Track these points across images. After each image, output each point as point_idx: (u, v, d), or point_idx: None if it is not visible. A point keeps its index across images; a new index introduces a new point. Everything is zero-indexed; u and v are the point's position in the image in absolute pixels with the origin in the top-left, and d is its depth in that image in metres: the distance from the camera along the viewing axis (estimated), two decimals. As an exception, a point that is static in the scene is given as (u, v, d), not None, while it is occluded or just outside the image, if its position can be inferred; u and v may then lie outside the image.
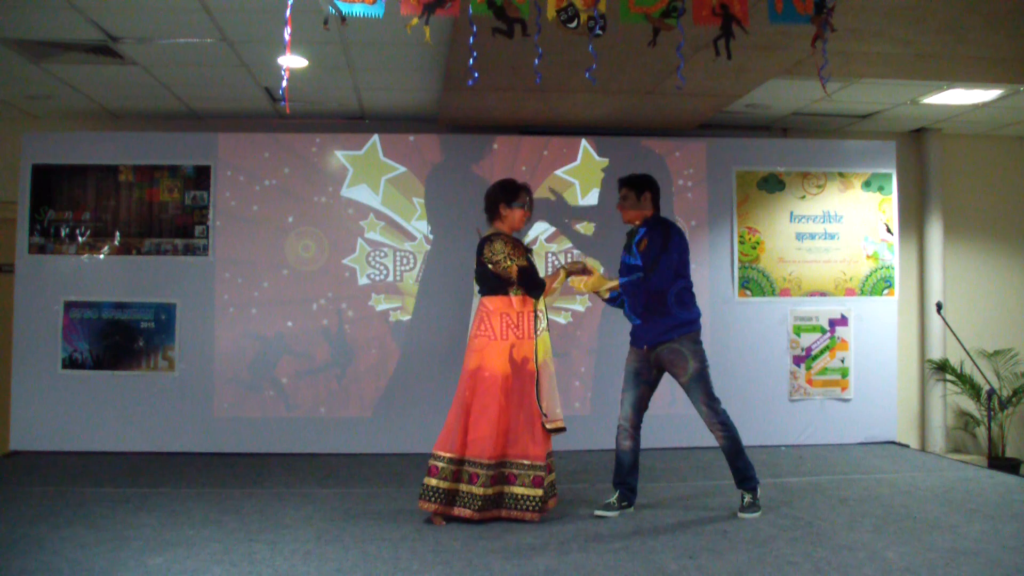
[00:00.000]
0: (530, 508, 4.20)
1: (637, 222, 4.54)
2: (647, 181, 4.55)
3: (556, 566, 3.54)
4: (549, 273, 5.00)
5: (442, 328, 6.40)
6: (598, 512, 4.38)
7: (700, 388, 4.39)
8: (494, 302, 4.36)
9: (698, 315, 4.53)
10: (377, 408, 6.42)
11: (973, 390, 7.05)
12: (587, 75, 3.43)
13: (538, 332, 4.34)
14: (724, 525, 4.21)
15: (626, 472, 4.48)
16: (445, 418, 4.38)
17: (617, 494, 4.46)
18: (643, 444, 4.54)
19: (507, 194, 4.42)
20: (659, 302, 4.42)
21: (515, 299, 4.35)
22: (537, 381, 4.28)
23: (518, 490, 4.22)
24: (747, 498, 4.40)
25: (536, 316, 4.35)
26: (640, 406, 4.50)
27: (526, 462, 4.22)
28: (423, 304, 6.49)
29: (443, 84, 5.79)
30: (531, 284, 4.34)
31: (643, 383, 4.49)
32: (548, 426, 4.27)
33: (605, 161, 6.62)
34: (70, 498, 4.76)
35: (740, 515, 4.34)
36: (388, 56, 5.44)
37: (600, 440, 6.23)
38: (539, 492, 4.21)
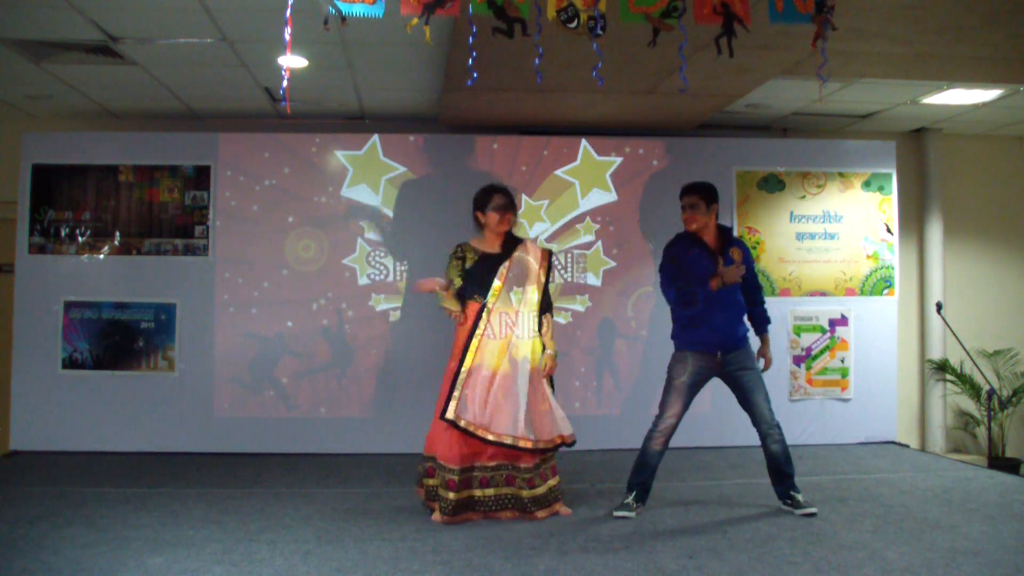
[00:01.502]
0: (498, 508, 4.31)
1: (705, 231, 4.54)
2: (715, 191, 4.59)
3: (556, 566, 3.55)
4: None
5: (442, 328, 6.36)
6: (617, 513, 4.40)
7: (763, 387, 4.49)
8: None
9: None
10: (377, 408, 6.42)
11: (973, 390, 7.05)
12: (594, 74, 3.44)
13: (478, 335, 4.39)
14: (724, 525, 4.22)
15: (648, 474, 4.50)
16: None
17: (634, 494, 4.48)
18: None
19: (477, 203, 4.56)
20: (741, 310, 4.56)
21: (471, 303, 4.48)
22: (454, 383, 4.36)
23: (482, 492, 4.32)
24: (800, 496, 4.47)
25: (479, 320, 4.40)
26: (682, 415, 4.52)
27: (489, 464, 4.33)
28: (423, 304, 6.47)
29: (443, 84, 5.79)
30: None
31: (694, 394, 4.52)
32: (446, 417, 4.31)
33: (613, 161, 6.62)
34: (70, 498, 4.76)
35: (807, 510, 4.38)
36: (388, 56, 5.44)
37: (600, 440, 6.25)
38: (504, 491, 4.30)
